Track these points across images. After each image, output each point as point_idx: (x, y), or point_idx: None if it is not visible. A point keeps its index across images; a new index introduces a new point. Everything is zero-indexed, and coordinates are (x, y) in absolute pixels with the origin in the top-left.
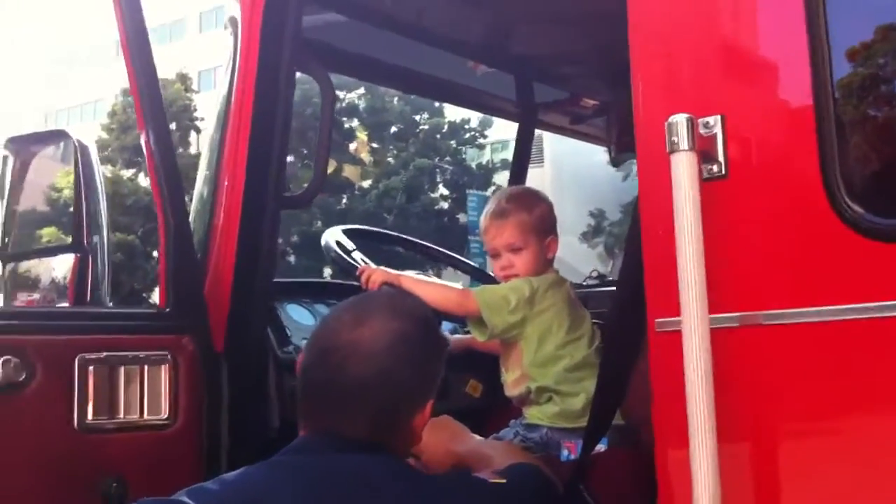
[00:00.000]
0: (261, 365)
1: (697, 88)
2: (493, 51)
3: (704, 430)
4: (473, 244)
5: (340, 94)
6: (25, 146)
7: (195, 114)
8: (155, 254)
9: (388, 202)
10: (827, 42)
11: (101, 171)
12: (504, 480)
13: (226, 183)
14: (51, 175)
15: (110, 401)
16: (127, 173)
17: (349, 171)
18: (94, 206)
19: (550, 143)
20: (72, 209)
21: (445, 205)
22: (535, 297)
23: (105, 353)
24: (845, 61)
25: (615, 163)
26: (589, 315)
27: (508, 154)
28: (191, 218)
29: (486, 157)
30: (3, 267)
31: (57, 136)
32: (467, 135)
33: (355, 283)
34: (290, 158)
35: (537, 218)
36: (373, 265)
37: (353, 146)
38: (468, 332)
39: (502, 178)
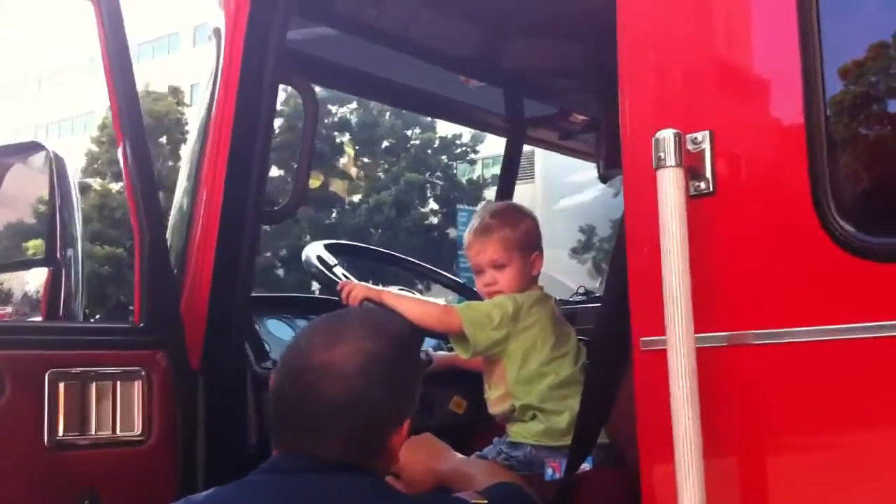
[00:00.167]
0: (238, 381)
1: (686, 103)
2: (483, 65)
3: (690, 450)
4: (463, 260)
5: (332, 108)
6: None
7: (186, 128)
8: None
9: (378, 217)
10: (819, 58)
11: (77, 184)
12: (485, 500)
13: (204, 196)
14: (25, 187)
15: (82, 417)
16: (116, 186)
17: (338, 186)
18: (68, 218)
19: (542, 159)
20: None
21: (435, 220)
22: (520, 313)
23: (76, 369)
24: (837, 77)
25: (604, 179)
26: (574, 332)
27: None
28: (169, 231)
29: (477, 172)
30: None
31: (31, 147)
32: (459, 150)
33: (335, 298)
34: (281, 172)
35: (522, 234)
36: (354, 280)
37: (343, 161)
38: (452, 349)
39: (493, 193)
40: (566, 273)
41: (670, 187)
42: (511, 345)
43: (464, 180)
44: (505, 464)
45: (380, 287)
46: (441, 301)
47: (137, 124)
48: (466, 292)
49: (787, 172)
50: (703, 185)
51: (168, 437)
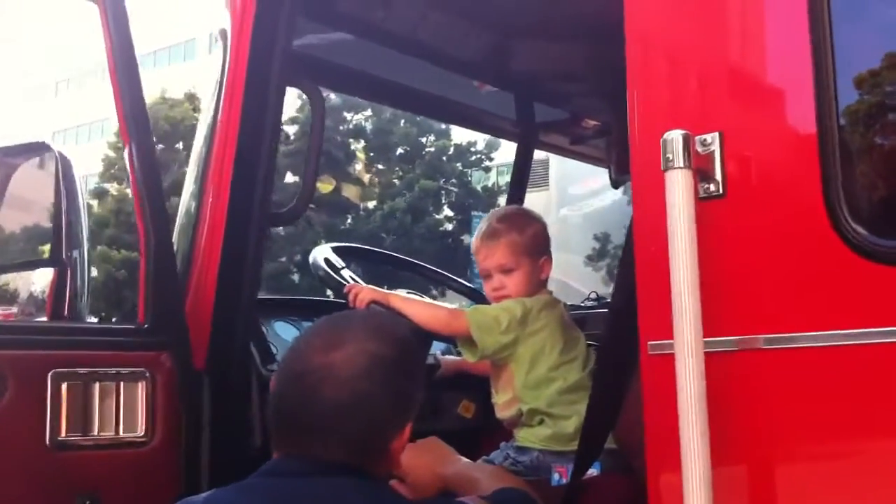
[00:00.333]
0: (243, 382)
1: (695, 105)
2: (493, 69)
3: (698, 455)
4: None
5: (347, 115)
6: (6, 158)
7: None
8: None
9: (392, 223)
10: (832, 59)
11: (83, 185)
12: None
13: (210, 198)
14: (31, 187)
15: (85, 417)
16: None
17: (351, 192)
18: (73, 219)
19: (556, 166)
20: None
21: (450, 226)
22: (528, 317)
23: (79, 369)
24: (850, 78)
25: (615, 184)
26: (583, 337)
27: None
28: (176, 232)
29: (491, 179)
30: None
31: (37, 148)
32: (473, 157)
33: (343, 300)
34: (296, 179)
35: (529, 238)
36: (362, 283)
37: (357, 167)
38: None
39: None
40: (581, 280)
41: (678, 189)
42: (519, 349)
43: (479, 187)
44: (512, 468)
45: (387, 290)
46: (454, 306)
47: (143, 126)
48: (477, 297)
49: (799, 174)
50: (712, 187)
51: (172, 439)
